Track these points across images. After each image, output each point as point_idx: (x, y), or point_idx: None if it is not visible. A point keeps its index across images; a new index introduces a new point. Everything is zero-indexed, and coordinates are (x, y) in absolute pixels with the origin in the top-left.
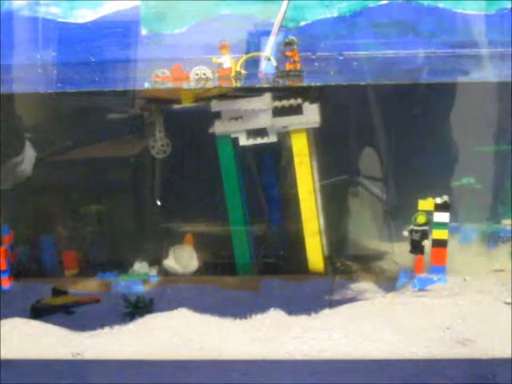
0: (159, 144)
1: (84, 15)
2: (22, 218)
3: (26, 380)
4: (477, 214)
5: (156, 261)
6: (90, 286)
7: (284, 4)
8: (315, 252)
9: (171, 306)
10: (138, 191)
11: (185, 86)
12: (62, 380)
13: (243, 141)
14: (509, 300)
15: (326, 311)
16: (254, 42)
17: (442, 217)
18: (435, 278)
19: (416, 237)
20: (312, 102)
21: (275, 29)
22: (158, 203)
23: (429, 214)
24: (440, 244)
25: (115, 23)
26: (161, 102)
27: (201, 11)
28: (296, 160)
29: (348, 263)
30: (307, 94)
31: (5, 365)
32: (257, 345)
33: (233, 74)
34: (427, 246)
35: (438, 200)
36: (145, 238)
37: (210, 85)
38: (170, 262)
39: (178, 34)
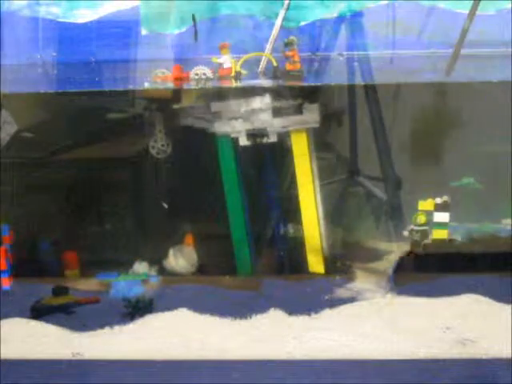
0: (159, 144)
1: (84, 15)
2: (21, 218)
3: (26, 380)
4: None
5: (156, 261)
6: (90, 285)
7: (285, 4)
8: (315, 252)
9: (171, 306)
10: (138, 191)
11: (185, 86)
12: (62, 380)
13: (243, 141)
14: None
15: (326, 311)
16: (254, 41)
17: (442, 217)
18: None
19: (416, 237)
20: (312, 101)
21: (276, 28)
22: (164, 205)
23: (429, 213)
24: None
25: (115, 23)
26: (161, 102)
27: (201, 11)
28: (296, 160)
29: (348, 263)
30: (307, 94)
31: (5, 365)
32: (257, 345)
33: (233, 73)
34: None
35: (438, 200)
36: (145, 238)
37: (209, 85)
38: (169, 262)
39: (178, 34)
